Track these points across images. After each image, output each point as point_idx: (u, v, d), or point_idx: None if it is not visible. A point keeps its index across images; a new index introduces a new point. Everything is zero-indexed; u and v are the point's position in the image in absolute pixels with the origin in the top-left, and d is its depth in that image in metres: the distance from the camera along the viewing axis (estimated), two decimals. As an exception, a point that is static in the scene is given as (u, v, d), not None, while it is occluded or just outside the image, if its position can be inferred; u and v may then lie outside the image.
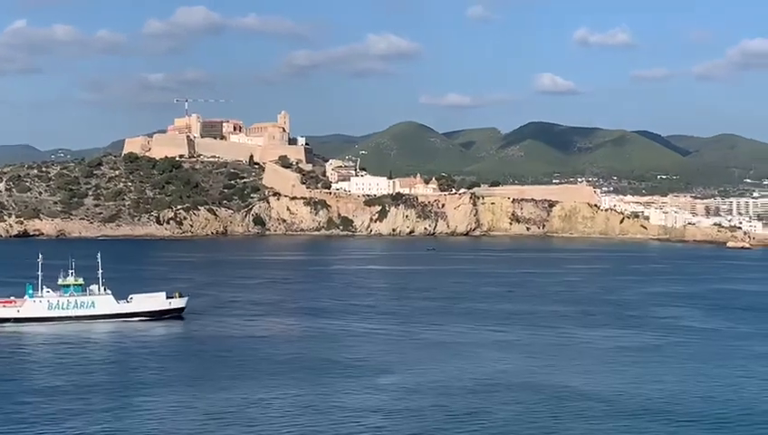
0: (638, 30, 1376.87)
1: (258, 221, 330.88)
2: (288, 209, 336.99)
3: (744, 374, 74.22)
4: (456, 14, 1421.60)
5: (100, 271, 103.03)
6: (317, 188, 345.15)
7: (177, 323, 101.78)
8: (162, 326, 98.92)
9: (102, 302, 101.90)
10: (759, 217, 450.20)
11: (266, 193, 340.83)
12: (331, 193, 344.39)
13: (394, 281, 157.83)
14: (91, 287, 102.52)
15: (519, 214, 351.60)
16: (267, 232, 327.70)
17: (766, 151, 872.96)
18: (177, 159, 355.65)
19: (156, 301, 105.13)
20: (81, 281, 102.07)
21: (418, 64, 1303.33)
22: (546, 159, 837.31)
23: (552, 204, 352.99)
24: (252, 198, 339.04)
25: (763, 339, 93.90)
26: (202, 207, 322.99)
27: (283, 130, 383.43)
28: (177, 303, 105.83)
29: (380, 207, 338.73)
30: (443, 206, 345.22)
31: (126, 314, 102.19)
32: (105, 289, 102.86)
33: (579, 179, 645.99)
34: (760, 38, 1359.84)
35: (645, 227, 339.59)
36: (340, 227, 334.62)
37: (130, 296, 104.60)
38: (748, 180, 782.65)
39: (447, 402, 63.24)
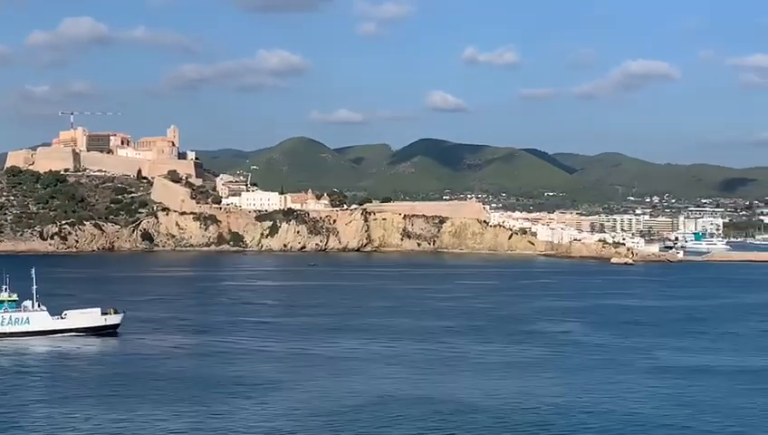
0: (524, 49, 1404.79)
1: (146, 237, 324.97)
2: (177, 225, 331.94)
3: (627, 387, 76.09)
4: (347, 31, 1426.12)
5: (35, 287, 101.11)
6: (207, 204, 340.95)
7: (111, 340, 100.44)
8: (86, 343, 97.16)
9: (37, 318, 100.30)
10: (641, 234, 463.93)
11: (155, 208, 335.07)
12: (221, 208, 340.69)
13: (285, 297, 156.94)
14: (25, 303, 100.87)
15: (410, 230, 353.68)
16: (155, 248, 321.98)
17: (648, 170, 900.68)
18: (62, 172, 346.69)
19: (91, 317, 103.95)
20: (15, 297, 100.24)
21: (309, 80, 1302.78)
22: (436, 175, 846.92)
23: (442, 220, 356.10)
24: (140, 213, 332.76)
25: (644, 353, 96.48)
26: (88, 223, 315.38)
27: (173, 144, 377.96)
28: (112, 319, 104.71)
29: (272, 223, 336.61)
30: (334, 222, 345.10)
31: (61, 330, 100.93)
32: (39, 305, 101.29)
33: (468, 196, 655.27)
34: (642, 59, 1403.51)
35: (532, 243, 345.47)
36: (231, 243, 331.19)
37: (65, 312, 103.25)
38: (631, 198, 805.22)
39: (337, 418, 63.15)
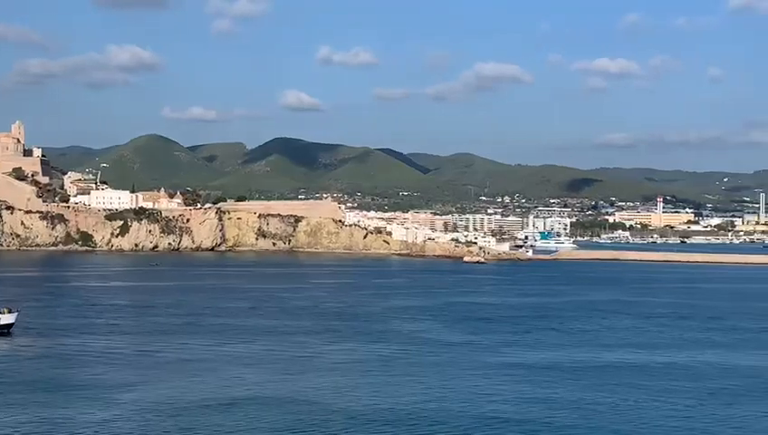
0: (379, 50, 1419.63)
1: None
2: (22, 224, 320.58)
3: (479, 385, 77.28)
4: (201, 28, 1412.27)
5: None
6: (54, 202, 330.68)
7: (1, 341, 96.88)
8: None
9: None
10: (493, 233, 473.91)
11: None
12: (69, 207, 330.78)
13: (137, 298, 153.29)
14: None
15: (265, 229, 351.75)
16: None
17: (500, 170, 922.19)
18: None
19: None
20: None
21: (161, 77, 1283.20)
22: (292, 174, 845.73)
23: (297, 219, 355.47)
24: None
25: (495, 350, 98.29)
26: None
27: (18, 140, 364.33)
28: (6, 319, 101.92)
29: (122, 222, 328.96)
30: (188, 221, 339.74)
31: None
32: None
33: (324, 195, 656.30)
34: (493, 62, 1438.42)
35: (387, 243, 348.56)
36: (79, 243, 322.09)
37: None
38: (483, 197, 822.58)
39: (187, 420, 61.95)
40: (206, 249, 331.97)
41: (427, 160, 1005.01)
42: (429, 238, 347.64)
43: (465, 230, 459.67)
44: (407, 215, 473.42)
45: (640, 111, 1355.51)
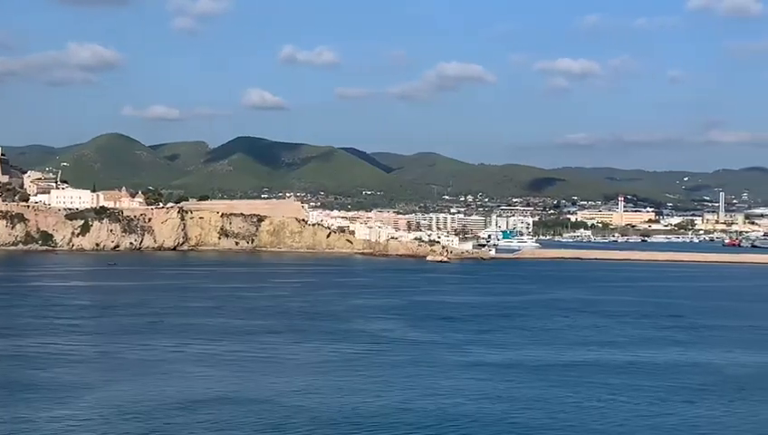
0: (342, 49, 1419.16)
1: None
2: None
3: (441, 384, 77.35)
4: (162, 26, 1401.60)
5: None
6: (14, 201, 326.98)
7: None
8: None
9: None
10: (456, 232, 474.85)
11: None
12: (29, 206, 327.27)
13: (99, 298, 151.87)
14: None
15: (228, 228, 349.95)
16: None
17: (463, 169, 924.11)
18: None
19: None
20: None
21: (122, 75, 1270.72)
22: (255, 173, 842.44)
23: (260, 218, 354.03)
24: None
25: (458, 349, 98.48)
26: None
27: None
28: None
29: (83, 222, 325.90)
30: (150, 220, 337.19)
31: None
32: None
33: (287, 194, 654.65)
34: (455, 62, 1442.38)
35: (351, 242, 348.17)
36: (39, 242, 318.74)
37: None
38: (446, 197, 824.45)
39: (148, 421, 61.49)
40: (168, 249, 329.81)
41: (390, 160, 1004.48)
42: (392, 237, 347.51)
43: (429, 229, 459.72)
44: (370, 214, 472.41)
45: (601, 111, 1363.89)
